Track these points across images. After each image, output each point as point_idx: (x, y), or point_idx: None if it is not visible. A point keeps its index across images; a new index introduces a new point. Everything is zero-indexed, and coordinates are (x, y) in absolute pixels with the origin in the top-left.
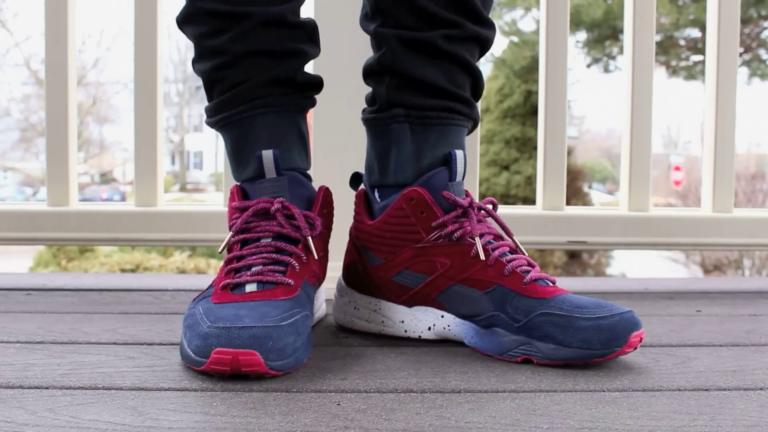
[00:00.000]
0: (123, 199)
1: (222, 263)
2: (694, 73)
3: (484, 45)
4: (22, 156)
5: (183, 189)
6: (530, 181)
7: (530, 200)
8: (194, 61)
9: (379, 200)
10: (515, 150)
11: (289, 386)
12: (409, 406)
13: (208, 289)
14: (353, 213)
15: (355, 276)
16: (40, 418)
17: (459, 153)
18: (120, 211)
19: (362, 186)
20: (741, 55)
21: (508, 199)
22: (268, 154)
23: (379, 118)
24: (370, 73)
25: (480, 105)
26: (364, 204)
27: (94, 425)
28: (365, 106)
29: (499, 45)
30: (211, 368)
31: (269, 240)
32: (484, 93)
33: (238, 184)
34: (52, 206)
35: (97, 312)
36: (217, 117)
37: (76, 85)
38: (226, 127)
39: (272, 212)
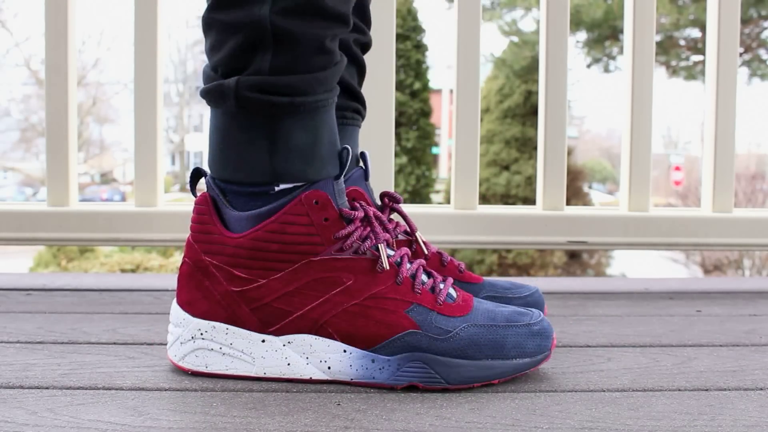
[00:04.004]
0: (123, 199)
1: (393, 282)
2: (694, 73)
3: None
4: (22, 156)
5: (183, 189)
6: (530, 181)
7: (530, 200)
8: (284, 14)
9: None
10: (515, 150)
11: (289, 386)
12: (409, 406)
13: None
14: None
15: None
16: (40, 418)
17: (366, 153)
18: (120, 211)
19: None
20: (741, 55)
21: (508, 199)
22: (354, 151)
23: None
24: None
25: (480, 105)
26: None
27: (94, 425)
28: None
29: (499, 45)
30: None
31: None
32: (484, 93)
33: (307, 186)
34: (52, 206)
35: (97, 312)
36: (314, 97)
37: (76, 85)
38: (314, 111)
39: (373, 218)
